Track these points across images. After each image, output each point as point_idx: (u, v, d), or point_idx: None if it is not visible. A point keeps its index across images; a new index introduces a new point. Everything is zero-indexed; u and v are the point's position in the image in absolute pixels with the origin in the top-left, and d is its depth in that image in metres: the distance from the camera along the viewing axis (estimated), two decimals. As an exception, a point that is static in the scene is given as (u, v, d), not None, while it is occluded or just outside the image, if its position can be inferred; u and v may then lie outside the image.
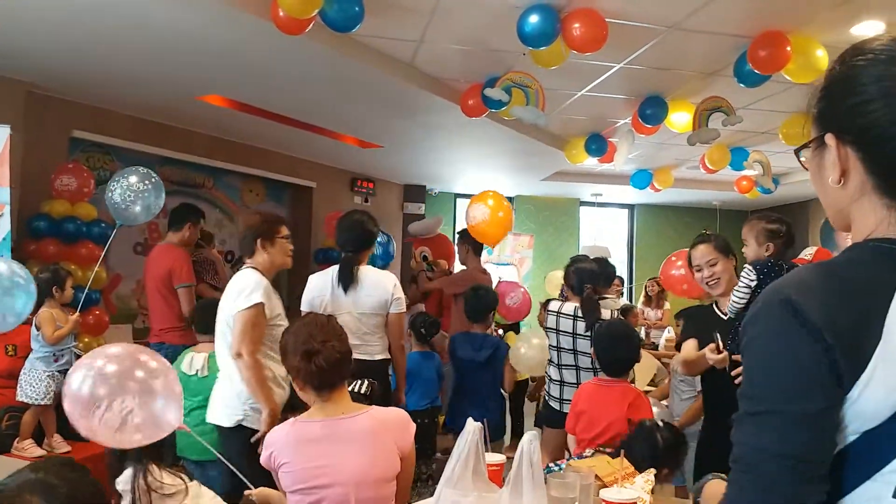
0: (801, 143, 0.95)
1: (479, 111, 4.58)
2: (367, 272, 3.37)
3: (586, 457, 2.43)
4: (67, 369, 3.75)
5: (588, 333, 3.49)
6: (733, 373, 2.28)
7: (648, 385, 4.80)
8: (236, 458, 2.59)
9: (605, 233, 9.79)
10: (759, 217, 2.64)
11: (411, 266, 6.21)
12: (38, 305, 3.57)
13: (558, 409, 3.56)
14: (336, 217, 4.01)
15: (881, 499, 0.78)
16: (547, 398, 3.73)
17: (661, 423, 2.42)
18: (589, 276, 3.63)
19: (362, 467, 1.94)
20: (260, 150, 6.42)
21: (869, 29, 3.60)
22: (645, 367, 4.85)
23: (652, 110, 4.85)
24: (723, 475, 1.92)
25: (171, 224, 4.46)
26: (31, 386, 3.63)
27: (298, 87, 4.59)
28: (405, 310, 3.49)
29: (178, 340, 4.15)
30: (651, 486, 1.92)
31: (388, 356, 3.44)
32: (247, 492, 2.07)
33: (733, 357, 2.34)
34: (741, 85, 4.08)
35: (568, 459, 2.68)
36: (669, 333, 6.12)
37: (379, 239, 4.07)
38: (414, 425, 2.11)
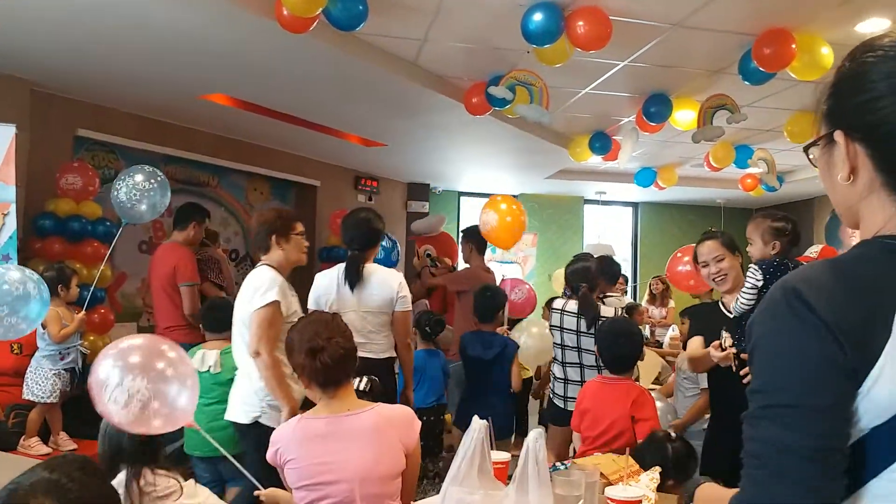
0: (807, 140, 0.94)
1: (482, 109, 4.58)
2: (373, 270, 3.36)
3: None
4: (73, 367, 3.79)
5: (591, 331, 3.50)
6: (742, 372, 2.28)
7: (653, 383, 4.80)
8: (252, 454, 2.59)
9: (609, 231, 9.77)
10: (764, 215, 2.62)
11: (414, 264, 6.21)
12: (44, 304, 3.59)
13: (563, 406, 3.57)
14: (341, 215, 4.01)
15: (890, 496, 0.77)
16: (551, 396, 3.74)
17: (673, 435, 2.39)
18: (582, 276, 3.66)
19: (367, 464, 1.95)
20: (264, 148, 6.42)
21: (874, 26, 3.59)
22: (649, 365, 4.85)
23: (656, 108, 4.84)
24: (710, 479, 1.92)
25: (176, 223, 4.47)
26: (37, 384, 3.65)
27: (302, 86, 4.59)
28: (411, 308, 3.50)
29: (183, 339, 4.14)
30: (656, 484, 1.92)
31: (394, 354, 3.44)
32: (256, 492, 2.08)
33: (741, 355, 2.33)
34: (746, 82, 4.06)
35: (571, 457, 2.68)
36: (674, 331, 6.11)
37: (384, 243, 4.06)
38: (419, 422, 2.12)
